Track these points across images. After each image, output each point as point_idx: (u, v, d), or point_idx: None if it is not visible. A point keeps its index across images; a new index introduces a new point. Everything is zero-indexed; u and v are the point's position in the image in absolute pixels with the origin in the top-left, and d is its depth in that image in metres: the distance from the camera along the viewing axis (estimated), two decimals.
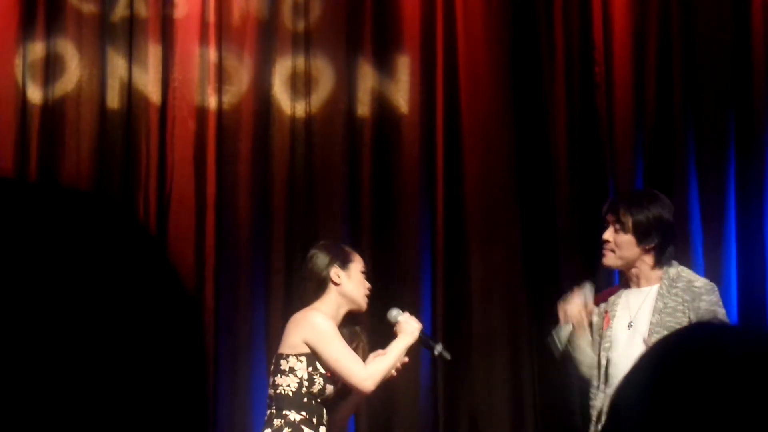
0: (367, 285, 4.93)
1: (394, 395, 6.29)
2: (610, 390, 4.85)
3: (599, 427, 4.91)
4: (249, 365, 6.02)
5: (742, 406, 1.12)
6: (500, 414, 6.37)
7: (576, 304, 4.94)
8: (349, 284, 4.87)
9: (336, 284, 4.85)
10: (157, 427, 0.94)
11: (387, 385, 6.22)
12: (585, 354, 4.96)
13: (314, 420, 4.75)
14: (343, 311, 4.87)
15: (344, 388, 4.85)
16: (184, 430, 0.95)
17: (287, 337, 4.80)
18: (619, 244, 4.87)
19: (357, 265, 4.93)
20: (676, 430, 1.13)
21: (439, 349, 5.08)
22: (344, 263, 4.89)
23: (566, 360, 5.07)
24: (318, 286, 4.85)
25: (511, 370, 6.39)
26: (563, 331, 4.96)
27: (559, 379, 6.23)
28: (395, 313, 5.01)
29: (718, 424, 1.12)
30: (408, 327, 4.95)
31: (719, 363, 1.15)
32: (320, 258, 4.89)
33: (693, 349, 1.18)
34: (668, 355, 1.20)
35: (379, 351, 4.91)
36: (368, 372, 4.79)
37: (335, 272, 4.85)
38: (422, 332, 5.02)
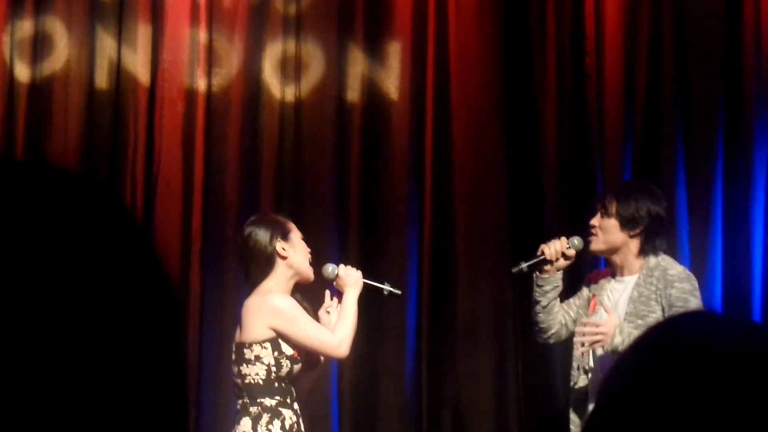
0: (308, 249, 4.89)
1: (378, 385, 6.29)
2: (592, 373, 4.88)
3: (581, 408, 4.94)
4: (232, 351, 5.99)
5: (727, 394, 1.13)
6: (484, 403, 6.37)
7: (556, 243, 5.00)
8: (295, 255, 4.83)
9: (283, 258, 4.81)
10: (135, 418, 0.92)
11: (371, 371, 6.23)
12: (549, 305, 5.01)
13: (288, 400, 4.75)
14: (292, 284, 4.84)
15: (309, 363, 4.84)
16: (162, 423, 0.94)
17: (247, 324, 4.75)
18: (604, 228, 4.94)
19: (296, 233, 4.88)
20: (662, 417, 1.14)
21: (387, 288, 5.06)
22: (285, 234, 4.83)
23: (540, 330, 5.11)
24: (265, 263, 4.79)
25: (495, 360, 6.40)
26: (534, 260, 5.00)
27: (543, 368, 6.24)
28: (331, 269, 4.97)
29: (703, 411, 1.13)
30: (350, 279, 4.94)
31: (704, 352, 1.16)
32: (260, 234, 4.82)
33: (678, 339, 1.19)
34: (655, 344, 1.21)
35: (325, 306, 4.91)
36: (338, 339, 4.79)
37: (280, 246, 4.80)
38: (365, 278, 4.99)
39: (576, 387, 4.97)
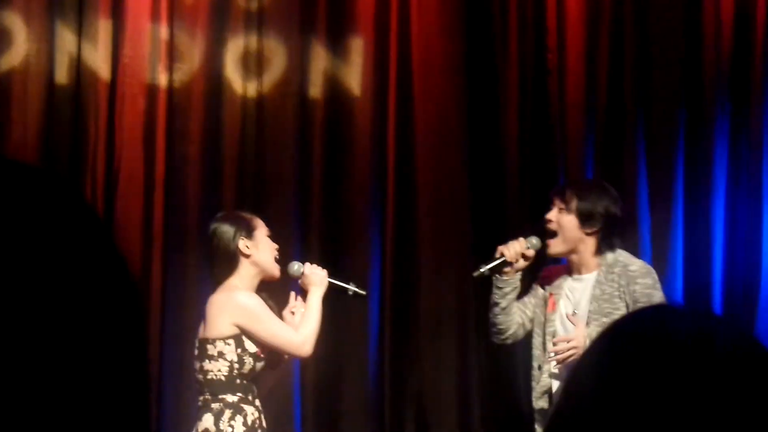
0: (275, 246, 4.88)
1: (341, 378, 6.29)
2: (555, 372, 4.89)
3: (542, 404, 4.95)
4: (195, 346, 5.97)
5: (688, 384, 1.15)
6: (447, 396, 6.38)
7: (515, 245, 4.99)
8: (259, 253, 4.81)
9: (246, 256, 4.79)
10: (98, 413, 0.92)
11: (334, 367, 6.22)
12: (508, 307, 5.01)
13: (249, 397, 4.74)
14: (257, 281, 4.83)
15: (272, 361, 4.83)
16: (125, 418, 0.94)
17: (211, 320, 4.73)
18: (562, 225, 4.92)
19: (261, 230, 4.86)
20: (626, 410, 1.15)
21: (352, 288, 5.05)
22: (249, 232, 4.81)
23: (497, 330, 5.10)
24: (229, 261, 4.77)
25: (458, 357, 6.41)
26: (494, 263, 5.00)
27: (506, 364, 6.26)
28: (297, 267, 4.95)
29: (666, 402, 1.14)
30: (316, 277, 4.92)
31: (665, 345, 1.18)
32: (224, 232, 4.80)
33: (640, 332, 1.21)
34: (617, 339, 1.22)
35: (290, 307, 4.91)
36: (302, 337, 4.79)
37: (243, 244, 4.78)
38: (330, 278, 4.98)
39: (537, 384, 4.98)
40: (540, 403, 4.96)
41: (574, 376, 1.23)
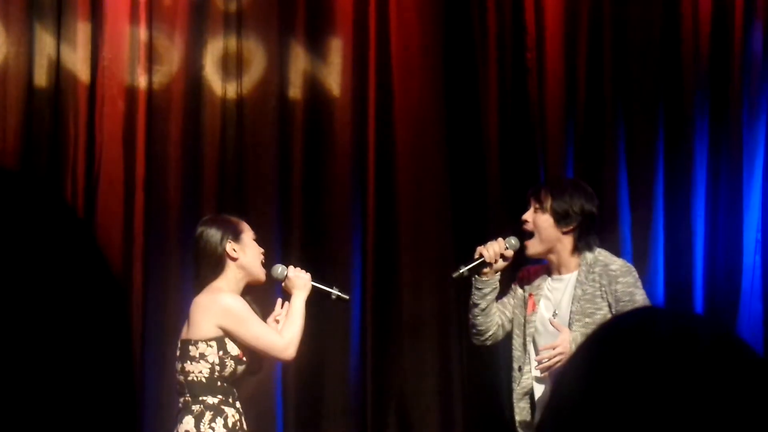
0: (261, 250, 4.88)
1: (323, 380, 6.29)
2: (537, 375, 4.89)
3: (522, 405, 4.95)
4: (176, 346, 5.95)
5: (672, 384, 1.16)
6: (428, 400, 6.39)
7: (494, 245, 4.99)
8: (246, 257, 4.81)
9: (233, 259, 4.80)
10: (84, 413, 0.91)
11: (316, 369, 6.22)
12: (488, 308, 5.00)
13: (230, 399, 4.74)
14: (242, 285, 4.83)
15: (253, 366, 4.83)
16: (111, 416, 0.93)
17: (195, 322, 4.73)
18: (537, 225, 4.92)
19: (248, 234, 4.87)
20: (613, 413, 1.16)
21: (336, 292, 5.05)
22: (236, 236, 4.82)
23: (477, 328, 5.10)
24: (215, 264, 4.78)
25: (439, 358, 6.41)
26: (473, 264, 4.99)
27: (487, 365, 6.26)
28: (281, 270, 4.96)
29: (650, 401, 1.15)
30: (299, 281, 4.93)
31: (649, 346, 1.19)
32: (211, 235, 4.80)
33: (624, 335, 1.22)
34: (602, 343, 1.24)
35: (274, 315, 4.90)
36: (286, 341, 4.79)
37: (230, 247, 4.79)
38: (314, 282, 4.98)
39: (518, 386, 4.97)
40: (521, 404, 4.96)
41: (561, 381, 1.24)
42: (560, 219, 4.89)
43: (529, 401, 4.94)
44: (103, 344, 0.95)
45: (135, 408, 0.97)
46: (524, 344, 4.96)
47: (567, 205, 4.89)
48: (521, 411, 4.95)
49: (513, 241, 5.01)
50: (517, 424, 4.98)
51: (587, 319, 4.78)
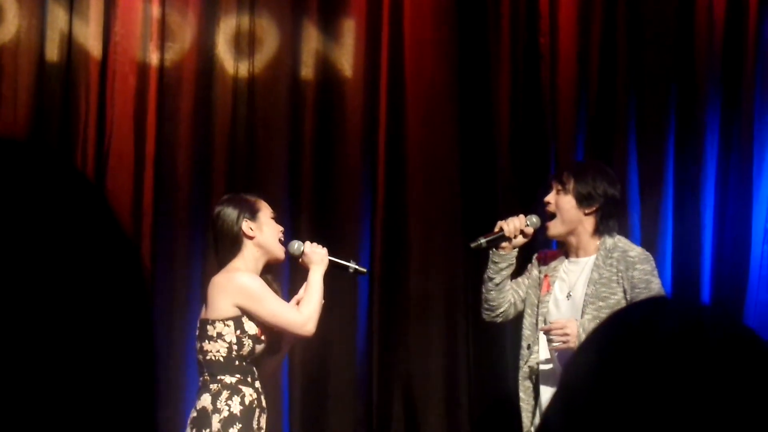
0: (280, 228, 4.89)
1: (329, 361, 6.29)
2: (547, 357, 4.90)
3: (527, 384, 4.96)
4: (185, 324, 5.96)
5: (681, 375, 1.16)
6: (435, 377, 6.39)
7: (515, 220, 5.02)
8: (263, 235, 4.82)
9: (250, 237, 4.80)
10: (106, 367, 0.91)
11: (323, 348, 6.23)
12: (502, 283, 5.02)
13: (249, 379, 4.75)
14: (261, 264, 4.84)
15: (272, 345, 4.84)
16: (131, 369, 0.93)
17: (212, 301, 4.74)
18: (560, 206, 4.94)
19: (265, 212, 4.87)
20: (622, 403, 1.16)
21: (353, 266, 5.05)
22: (252, 214, 4.83)
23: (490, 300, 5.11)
24: (232, 243, 4.79)
25: (446, 338, 6.42)
26: (493, 236, 5.02)
27: (494, 345, 6.27)
28: (297, 246, 4.96)
29: (657, 394, 1.15)
30: (316, 256, 4.93)
31: (658, 337, 1.19)
32: (228, 214, 4.81)
33: (633, 325, 1.22)
34: (611, 333, 1.24)
35: (297, 297, 4.90)
36: (304, 317, 4.78)
37: (247, 225, 4.80)
38: (331, 256, 4.98)
39: (526, 366, 4.99)
40: (526, 383, 4.98)
41: (570, 371, 1.24)
42: (583, 200, 4.91)
43: (534, 380, 4.96)
44: (121, 306, 0.94)
45: (153, 367, 0.97)
46: (536, 324, 4.98)
47: (590, 187, 4.91)
48: (526, 389, 4.98)
49: (534, 219, 5.05)
50: (520, 401, 4.99)
51: (601, 303, 4.80)
